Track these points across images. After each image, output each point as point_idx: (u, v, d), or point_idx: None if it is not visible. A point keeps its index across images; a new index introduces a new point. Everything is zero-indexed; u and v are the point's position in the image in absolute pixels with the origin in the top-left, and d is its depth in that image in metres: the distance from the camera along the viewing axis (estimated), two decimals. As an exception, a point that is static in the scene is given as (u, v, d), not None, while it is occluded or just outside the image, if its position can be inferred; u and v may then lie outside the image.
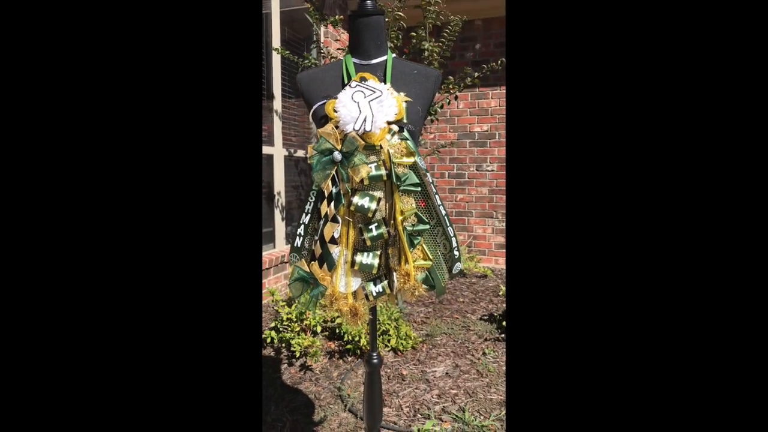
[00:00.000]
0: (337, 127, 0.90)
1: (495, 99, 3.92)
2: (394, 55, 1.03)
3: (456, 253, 0.98)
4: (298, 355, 2.05)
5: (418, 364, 2.07)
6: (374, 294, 0.94)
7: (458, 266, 0.99)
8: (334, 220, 0.91)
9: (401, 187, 0.91)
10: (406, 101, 0.93)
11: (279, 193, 3.12)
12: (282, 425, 1.61)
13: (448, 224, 0.97)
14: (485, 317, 2.69)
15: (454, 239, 0.98)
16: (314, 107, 0.98)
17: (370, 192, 0.91)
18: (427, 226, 0.94)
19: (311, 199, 0.97)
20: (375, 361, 1.10)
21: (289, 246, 1.01)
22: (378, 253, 0.93)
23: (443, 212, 0.97)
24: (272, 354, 2.15)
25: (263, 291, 2.68)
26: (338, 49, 3.25)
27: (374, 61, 1.00)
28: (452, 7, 2.96)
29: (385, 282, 0.95)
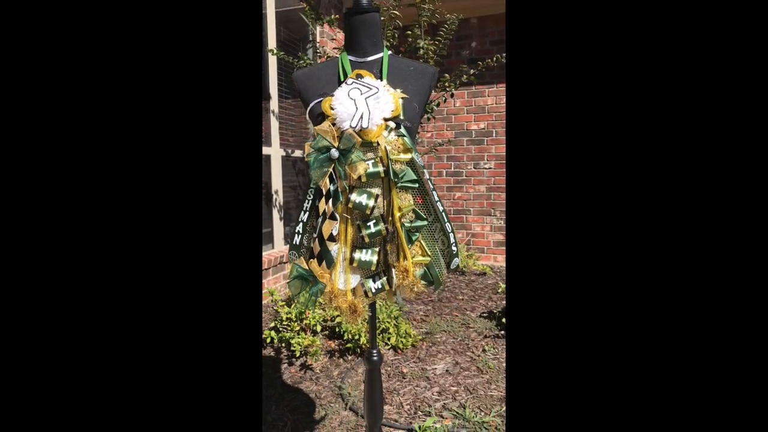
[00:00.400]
0: (333, 125, 0.90)
1: (492, 96, 3.92)
2: (390, 52, 1.03)
3: (454, 248, 0.98)
4: (298, 354, 2.05)
5: (418, 361, 2.08)
6: (373, 290, 0.94)
7: (456, 261, 0.99)
8: (333, 217, 0.91)
9: (399, 184, 0.91)
10: (402, 98, 0.93)
11: (276, 193, 3.11)
12: (283, 425, 1.61)
13: (446, 220, 0.97)
14: (485, 314, 2.69)
15: (452, 235, 0.98)
16: (311, 105, 0.98)
17: (368, 189, 0.91)
18: (425, 222, 0.94)
19: (309, 197, 0.97)
20: (375, 358, 1.10)
21: (288, 245, 1.01)
22: (376, 249, 0.93)
23: (441, 208, 0.97)
24: (272, 354, 2.14)
25: (262, 291, 2.68)
26: (334, 48, 3.25)
27: (370, 58, 1.00)
28: (447, 5, 2.96)
29: (384, 278, 0.95)
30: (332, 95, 0.91)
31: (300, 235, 0.99)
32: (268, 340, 2.16)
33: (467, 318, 2.64)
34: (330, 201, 0.91)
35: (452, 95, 2.80)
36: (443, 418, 1.62)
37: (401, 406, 1.71)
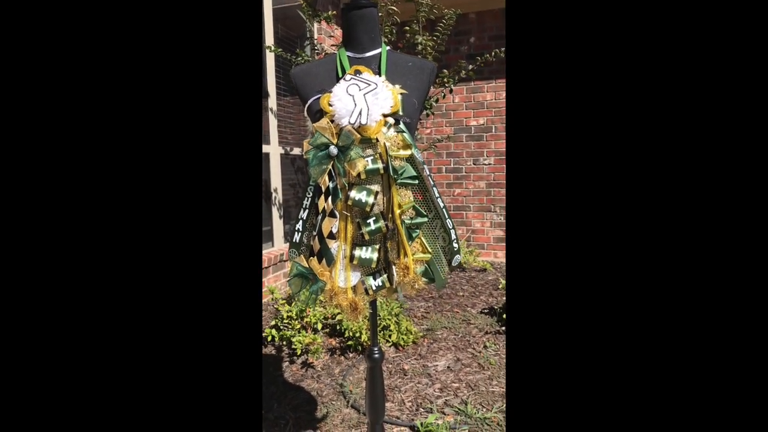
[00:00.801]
0: (332, 121, 0.89)
1: (490, 92, 3.91)
2: (388, 47, 1.02)
3: (455, 245, 0.98)
4: (299, 352, 2.05)
5: (420, 358, 2.07)
6: (374, 288, 0.94)
7: (458, 258, 0.99)
8: (332, 215, 0.91)
9: (398, 181, 0.90)
10: (401, 93, 0.92)
11: (276, 191, 3.11)
12: (285, 423, 1.61)
13: (447, 216, 0.97)
14: (485, 311, 2.69)
15: (453, 231, 0.97)
16: (309, 102, 0.97)
17: (368, 186, 0.90)
18: (426, 219, 0.94)
19: (308, 194, 0.96)
20: (376, 355, 1.10)
21: (288, 243, 1.01)
22: (377, 247, 0.92)
23: (441, 204, 0.96)
24: (273, 352, 2.14)
25: (263, 289, 2.68)
26: (332, 45, 3.24)
27: (368, 54, 0.99)
28: (445, 0, 2.94)
29: (385, 276, 0.94)
30: (330, 91, 0.91)
31: (299, 233, 0.98)
32: (269, 339, 2.16)
33: (468, 314, 2.64)
34: (329, 198, 0.90)
35: (451, 91, 2.79)
36: (445, 414, 1.62)
37: (403, 403, 1.71)
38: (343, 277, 0.93)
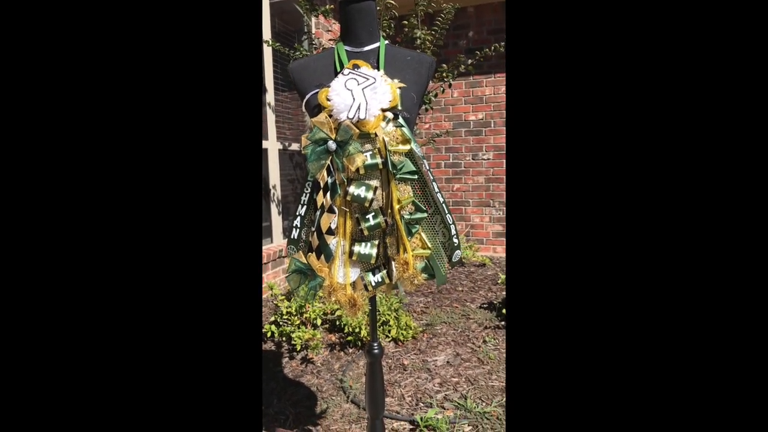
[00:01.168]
0: (330, 116, 0.89)
1: (489, 87, 3.90)
2: (386, 41, 1.01)
3: (455, 240, 0.97)
4: (298, 348, 2.05)
5: (419, 353, 2.08)
6: (373, 284, 0.94)
7: (458, 254, 0.98)
8: (331, 210, 0.90)
9: (398, 176, 0.90)
10: (400, 88, 0.91)
11: (274, 187, 3.10)
12: (285, 418, 1.61)
13: (447, 212, 0.96)
14: (485, 305, 2.70)
15: (453, 227, 0.97)
16: (307, 97, 0.96)
17: (366, 181, 0.90)
18: (425, 214, 0.93)
19: (307, 190, 0.96)
20: (376, 351, 1.10)
21: (287, 239, 1.00)
22: (376, 242, 0.92)
23: (441, 200, 0.96)
24: (273, 348, 2.14)
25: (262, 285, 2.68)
26: (330, 40, 3.21)
27: (367, 48, 0.98)
28: (444, -6, 2.92)
29: (384, 271, 0.94)
30: (329, 86, 0.90)
31: (298, 229, 0.98)
32: (269, 335, 2.16)
33: (467, 309, 2.64)
34: (328, 194, 0.90)
35: (450, 86, 2.77)
36: (445, 409, 1.62)
37: (403, 398, 1.71)
38: (342, 273, 0.93)
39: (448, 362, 1.98)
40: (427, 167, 0.94)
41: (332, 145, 0.88)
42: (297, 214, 0.97)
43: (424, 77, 1.00)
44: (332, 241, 0.92)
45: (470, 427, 1.51)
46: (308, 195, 0.96)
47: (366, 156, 0.88)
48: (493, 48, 2.52)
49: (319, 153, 0.89)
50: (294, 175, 3.41)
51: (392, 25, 2.55)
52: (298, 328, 2.12)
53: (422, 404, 1.67)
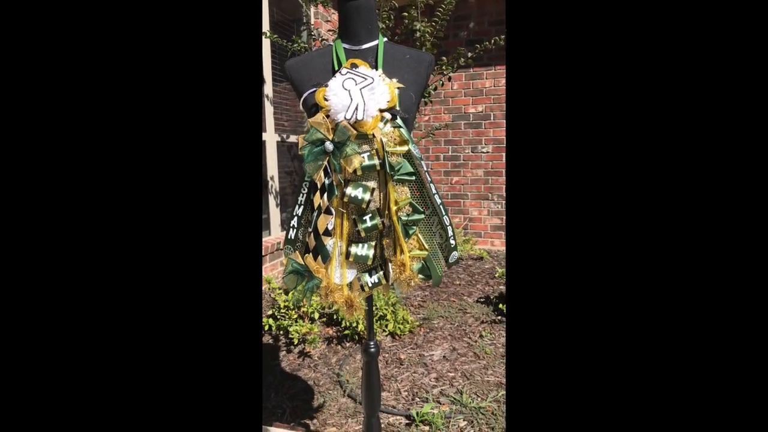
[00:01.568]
0: (327, 116, 0.88)
1: (490, 79, 3.86)
2: (385, 39, 0.99)
3: (452, 242, 0.97)
4: (296, 342, 2.06)
5: (416, 348, 2.09)
6: (370, 285, 0.93)
7: (455, 255, 0.98)
8: (328, 211, 0.90)
9: (395, 177, 0.89)
10: (398, 88, 0.90)
11: (272, 179, 3.09)
12: (282, 412, 1.63)
13: (444, 213, 0.96)
14: (482, 299, 2.71)
15: (450, 228, 0.96)
16: (304, 95, 0.95)
17: (364, 182, 0.89)
18: (422, 216, 0.93)
19: (303, 190, 0.95)
20: (372, 350, 1.10)
21: (284, 239, 1.00)
22: (373, 244, 0.92)
23: (438, 201, 0.96)
24: (270, 341, 2.15)
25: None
26: (329, 30, 3.17)
27: (365, 46, 0.97)
28: (445, -16, 2.87)
29: (381, 272, 0.94)
30: (326, 85, 0.89)
31: (295, 229, 0.97)
32: (266, 328, 2.17)
33: (464, 303, 2.65)
34: (325, 195, 0.89)
35: (450, 79, 2.75)
36: (440, 404, 1.64)
37: (399, 393, 1.72)
38: (339, 274, 0.93)
39: (444, 357, 2.00)
40: (425, 168, 0.94)
41: (329, 146, 0.87)
42: (294, 214, 0.97)
43: (423, 76, 0.99)
44: (329, 242, 0.91)
45: (465, 423, 1.52)
46: (305, 195, 0.95)
47: (363, 157, 0.87)
48: (493, 41, 2.49)
49: (316, 154, 0.88)
50: (292, 167, 3.39)
51: (392, 17, 2.51)
52: (296, 321, 2.13)
53: (418, 399, 1.68)
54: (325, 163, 0.88)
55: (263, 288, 2.70)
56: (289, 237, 0.99)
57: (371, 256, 0.91)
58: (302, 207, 0.96)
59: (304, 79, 0.97)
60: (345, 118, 0.85)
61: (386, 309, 2.22)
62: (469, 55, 2.55)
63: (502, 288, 2.86)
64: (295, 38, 2.67)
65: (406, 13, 2.47)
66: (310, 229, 0.94)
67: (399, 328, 2.18)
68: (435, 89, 2.68)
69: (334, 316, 2.23)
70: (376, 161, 0.88)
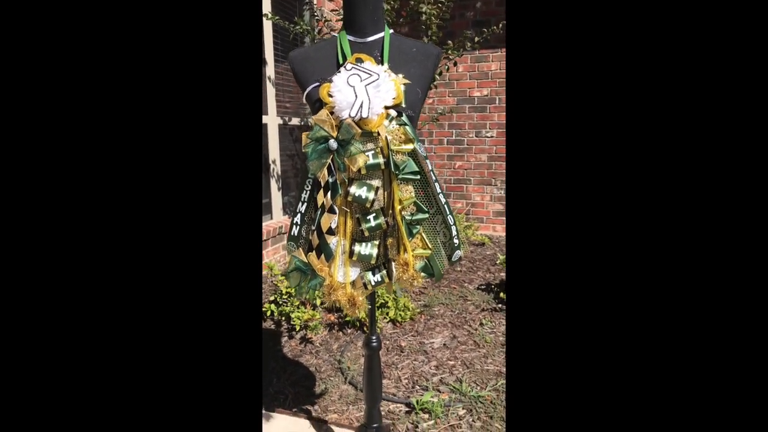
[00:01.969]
0: (332, 113, 0.86)
1: (496, 62, 3.79)
2: (391, 31, 0.96)
3: (456, 240, 0.96)
4: (298, 328, 2.08)
5: (417, 335, 2.11)
6: (373, 283, 0.93)
7: (458, 254, 0.98)
8: (331, 210, 0.89)
9: (400, 176, 0.88)
10: (404, 84, 0.88)
11: (274, 162, 3.06)
12: (284, 397, 1.65)
13: (448, 212, 0.95)
14: (482, 287, 2.72)
15: (453, 227, 0.96)
16: (308, 90, 0.93)
17: (368, 181, 0.88)
18: (426, 215, 0.92)
19: (307, 187, 0.94)
20: (374, 344, 1.11)
21: (287, 217, 0.99)
22: (376, 243, 0.91)
23: (443, 200, 0.94)
24: (272, 327, 2.18)
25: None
26: (332, 10, 3.09)
27: (370, 38, 0.94)
28: (452, -37, 2.78)
29: (384, 271, 0.93)
30: (330, 81, 0.87)
31: (298, 227, 0.97)
32: (268, 314, 2.18)
33: (465, 291, 2.67)
34: (329, 193, 0.88)
35: (455, 64, 2.69)
36: (440, 392, 1.66)
37: (399, 380, 1.75)
38: (342, 273, 0.92)
39: (444, 345, 2.02)
40: (431, 167, 0.92)
41: (333, 144, 0.85)
42: (297, 211, 0.96)
43: (430, 70, 0.97)
44: (332, 241, 0.91)
45: (464, 411, 1.55)
46: (308, 192, 0.94)
47: (368, 155, 0.86)
48: (501, 25, 2.43)
49: (320, 152, 0.86)
50: (294, 149, 3.36)
51: (397, -2, 2.44)
52: (298, 308, 2.15)
53: (418, 387, 1.70)
54: (329, 161, 0.87)
55: (265, 273, 2.71)
56: (292, 233, 0.98)
57: (375, 254, 0.90)
58: (305, 204, 0.95)
59: (307, 71, 0.94)
60: (350, 115, 0.84)
61: (387, 296, 2.24)
62: (476, 39, 2.49)
63: (503, 275, 2.87)
64: (297, 19, 2.60)
65: (411, -5, 2.40)
66: (313, 227, 0.93)
67: (400, 315, 2.20)
68: (440, 74, 2.63)
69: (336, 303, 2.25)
70: (381, 160, 0.86)
